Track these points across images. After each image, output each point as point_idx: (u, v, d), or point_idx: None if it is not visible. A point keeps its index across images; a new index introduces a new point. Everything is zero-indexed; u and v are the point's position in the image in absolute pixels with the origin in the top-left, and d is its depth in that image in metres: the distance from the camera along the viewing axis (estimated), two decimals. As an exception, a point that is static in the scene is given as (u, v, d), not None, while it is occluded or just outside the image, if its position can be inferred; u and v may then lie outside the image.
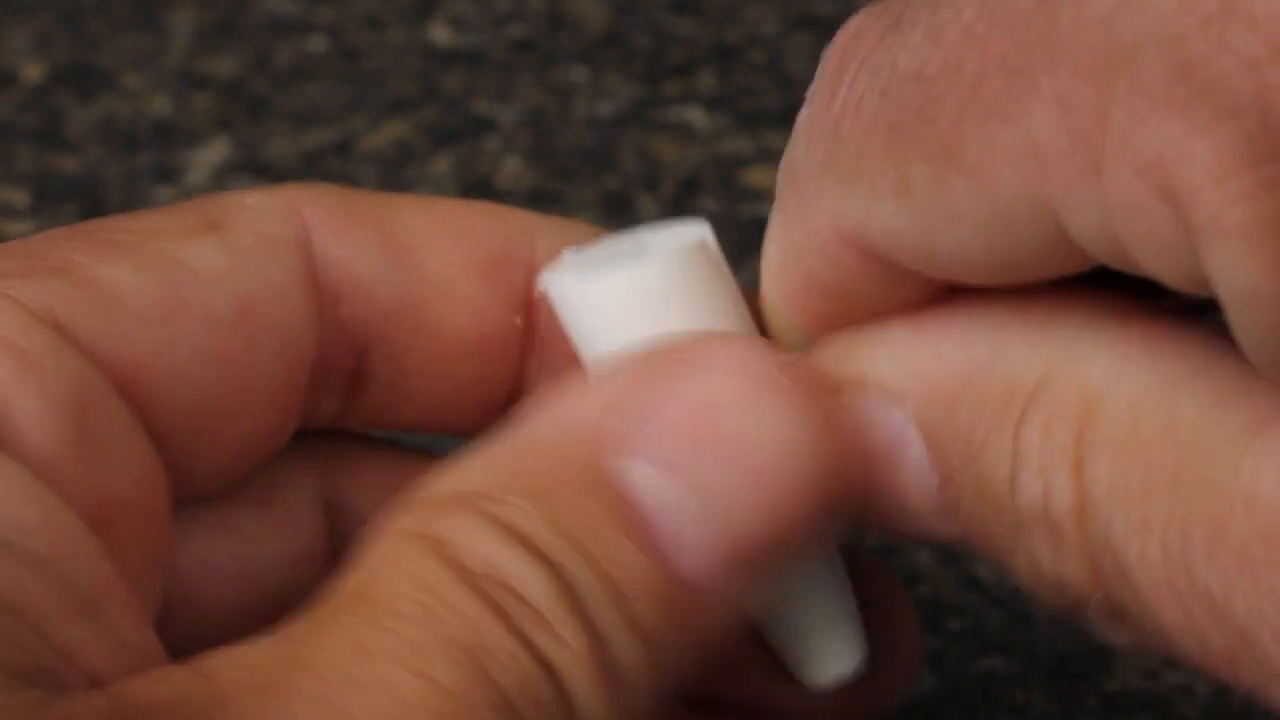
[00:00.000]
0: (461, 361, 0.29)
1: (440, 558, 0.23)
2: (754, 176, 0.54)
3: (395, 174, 0.54)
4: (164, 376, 0.26)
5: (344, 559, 0.29)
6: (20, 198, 0.54)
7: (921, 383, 0.25)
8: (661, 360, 0.25)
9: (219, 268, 0.27)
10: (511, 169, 0.55)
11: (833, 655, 0.28)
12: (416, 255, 0.29)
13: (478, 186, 0.54)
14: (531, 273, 0.29)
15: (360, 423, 0.30)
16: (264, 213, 0.28)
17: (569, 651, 0.23)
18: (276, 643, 0.23)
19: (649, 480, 0.24)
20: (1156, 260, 0.21)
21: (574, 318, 0.27)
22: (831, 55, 0.26)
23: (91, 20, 0.63)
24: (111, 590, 0.24)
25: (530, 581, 0.23)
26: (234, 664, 0.22)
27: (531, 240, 0.30)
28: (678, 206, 0.53)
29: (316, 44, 0.61)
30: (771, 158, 0.55)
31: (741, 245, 0.52)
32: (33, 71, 0.60)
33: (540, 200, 0.53)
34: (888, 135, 0.24)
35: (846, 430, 0.26)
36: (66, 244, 0.27)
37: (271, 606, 0.29)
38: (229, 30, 0.62)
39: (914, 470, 0.26)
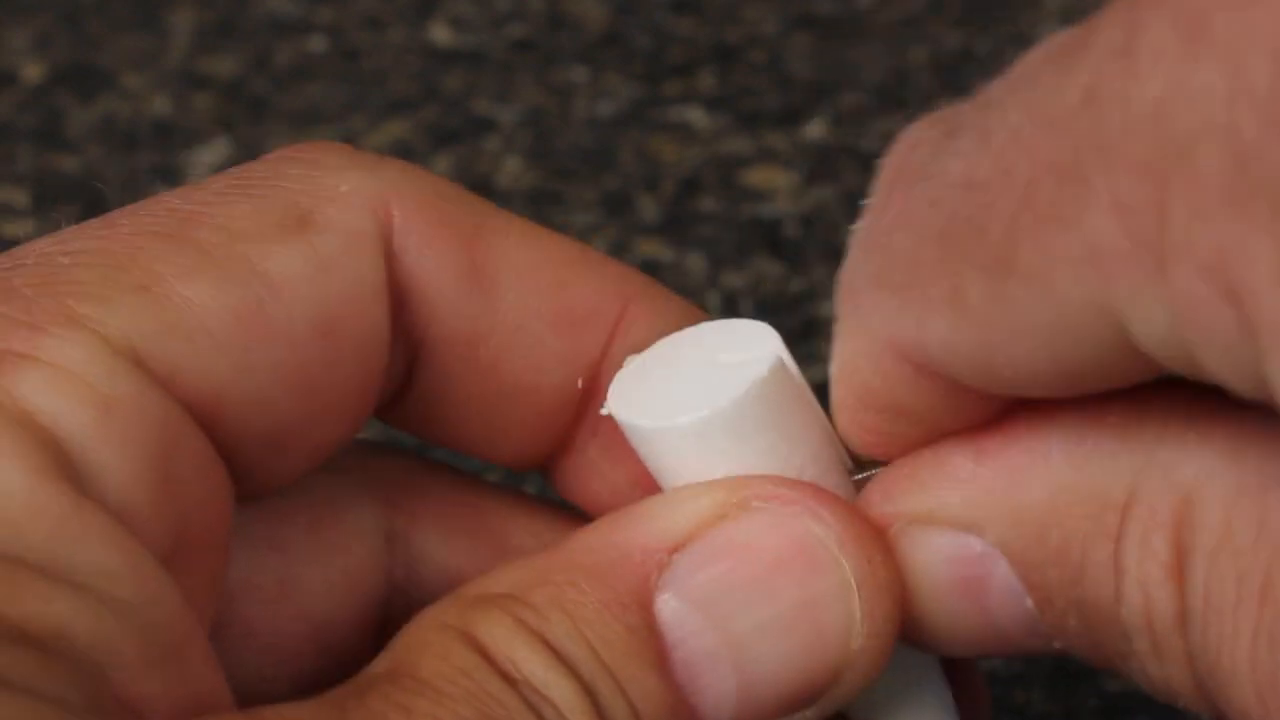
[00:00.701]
0: (509, 406, 0.29)
1: (477, 653, 0.24)
2: (754, 176, 0.54)
3: (395, 174, 0.54)
4: (243, 401, 0.26)
5: (403, 590, 0.29)
6: (20, 198, 0.54)
7: (1000, 510, 0.25)
8: (715, 502, 0.25)
9: (303, 279, 0.26)
10: (511, 169, 0.55)
11: None
12: (497, 289, 0.28)
13: (478, 186, 0.54)
14: (613, 337, 0.29)
15: (396, 424, 0.30)
16: (353, 207, 0.27)
17: None
18: (321, 703, 0.23)
19: (676, 614, 0.25)
20: (1221, 363, 0.21)
21: (644, 450, 0.27)
22: (887, 166, 0.25)
23: (91, 20, 0.63)
24: (191, 636, 0.24)
25: (560, 691, 0.24)
26: (284, 715, 0.22)
27: (624, 305, 0.29)
28: (678, 206, 0.53)
29: (316, 44, 0.61)
30: (771, 157, 0.55)
31: (741, 245, 0.52)
32: (33, 71, 0.60)
33: (540, 200, 0.53)
34: (939, 245, 0.23)
35: (894, 582, 0.26)
36: (149, 246, 0.26)
37: (319, 631, 0.29)
38: (229, 30, 0.62)
39: (1003, 593, 0.25)
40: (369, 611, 0.29)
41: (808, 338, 0.46)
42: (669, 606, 0.25)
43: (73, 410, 0.24)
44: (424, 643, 0.24)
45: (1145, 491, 0.24)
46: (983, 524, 0.25)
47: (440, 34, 0.62)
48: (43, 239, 0.26)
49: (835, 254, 0.50)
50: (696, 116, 0.57)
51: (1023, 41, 0.54)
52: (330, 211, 0.27)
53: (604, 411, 0.27)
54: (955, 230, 0.23)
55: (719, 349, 0.27)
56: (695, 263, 0.50)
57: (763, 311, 0.48)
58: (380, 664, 0.24)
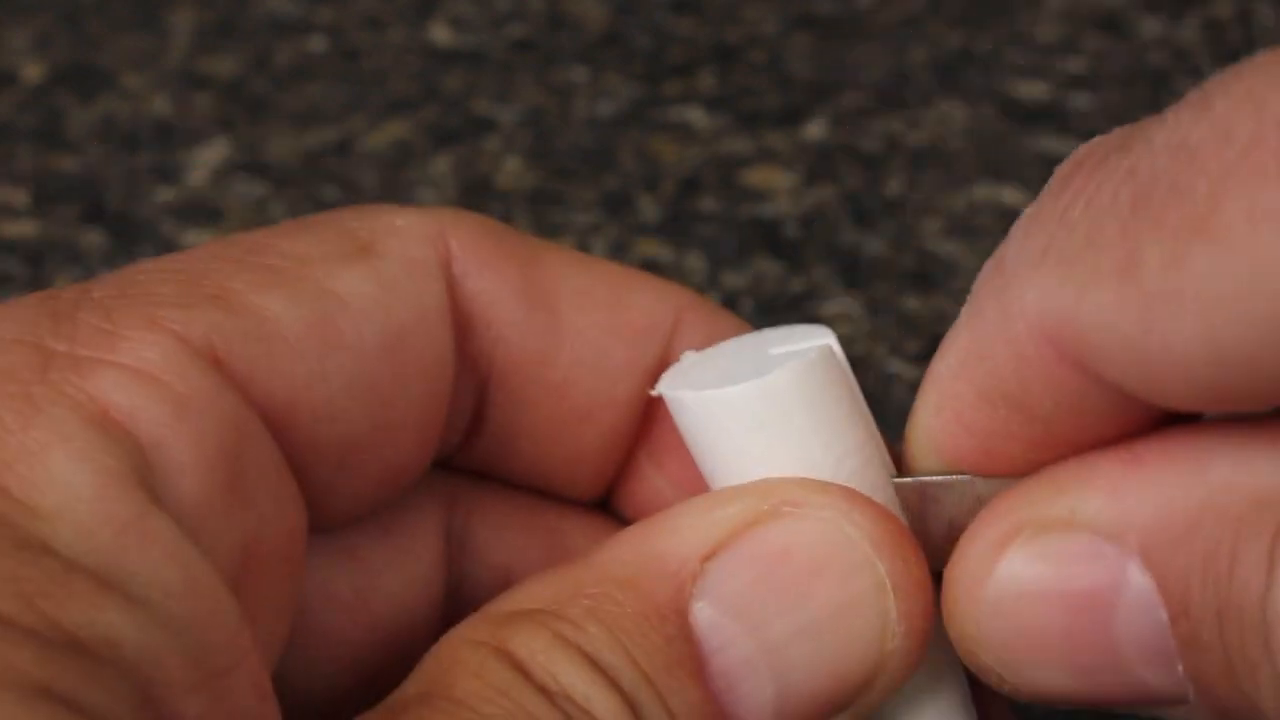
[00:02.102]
0: (583, 424, 0.29)
1: (514, 669, 0.23)
2: (754, 176, 0.54)
3: (395, 174, 0.54)
4: (316, 411, 0.26)
5: (463, 592, 0.29)
6: (20, 198, 0.54)
7: (1146, 513, 0.24)
8: (747, 507, 0.25)
9: (369, 298, 0.26)
10: (511, 169, 0.55)
11: None
12: (558, 306, 0.28)
13: (478, 186, 0.54)
14: (671, 346, 0.29)
15: (474, 466, 0.30)
16: (412, 237, 0.27)
17: None
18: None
19: (713, 623, 0.25)
20: None
21: (689, 427, 0.27)
22: (1067, 163, 0.25)
23: (91, 20, 0.63)
24: (243, 659, 0.23)
25: (602, 704, 0.23)
26: None
27: (679, 315, 0.29)
28: (678, 206, 0.53)
29: (316, 44, 0.61)
30: (771, 157, 0.55)
31: (741, 245, 0.52)
32: (33, 71, 0.60)
33: (540, 200, 0.53)
34: (1128, 212, 0.22)
35: (927, 581, 0.25)
36: (222, 268, 0.26)
37: (389, 637, 0.29)
38: (229, 30, 0.62)
39: (1132, 608, 0.24)
40: (433, 613, 0.29)
41: (808, 338, 0.46)
42: (705, 615, 0.25)
43: (148, 407, 0.23)
44: (457, 660, 0.24)
45: None
46: (1124, 529, 0.24)
47: (440, 34, 0.62)
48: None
49: (835, 254, 0.51)
50: (696, 116, 0.57)
51: (1023, 41, 0.54)
52: (390, 241, 0.27)
53: (653, 392, 0.27)
54: (1151, 194, 0.22)
55: (774, 344, 0.27)
56: (695, 263, 0.50)
57: (762, 311, 0.48)
58: (411, 685, 0.24)
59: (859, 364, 0.46)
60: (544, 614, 0.24)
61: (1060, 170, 0.24)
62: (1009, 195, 0.53)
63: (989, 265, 0.25)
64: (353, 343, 0.26)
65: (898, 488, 0.27)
